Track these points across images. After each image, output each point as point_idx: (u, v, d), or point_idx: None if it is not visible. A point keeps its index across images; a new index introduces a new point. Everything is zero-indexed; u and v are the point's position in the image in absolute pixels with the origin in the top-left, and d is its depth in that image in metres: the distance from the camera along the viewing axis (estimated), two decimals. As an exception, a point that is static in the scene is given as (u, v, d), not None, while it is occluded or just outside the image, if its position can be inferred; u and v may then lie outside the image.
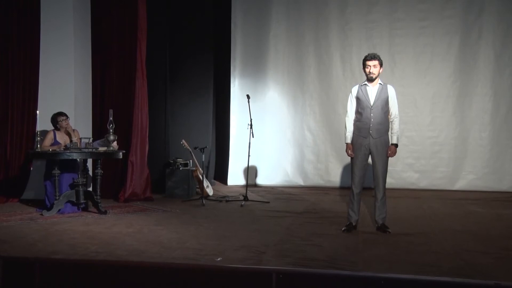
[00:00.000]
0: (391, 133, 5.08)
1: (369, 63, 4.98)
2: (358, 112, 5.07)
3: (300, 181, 9.29)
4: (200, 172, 7.55)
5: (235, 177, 9.47)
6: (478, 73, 8.60)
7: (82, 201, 6.14)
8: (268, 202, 7.18)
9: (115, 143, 6.28)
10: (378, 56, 5.03)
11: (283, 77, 9.47)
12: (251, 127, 7.33)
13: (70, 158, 6.07)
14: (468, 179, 8.62)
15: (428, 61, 8.82)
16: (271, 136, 9.42)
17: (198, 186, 7.79)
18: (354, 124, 5.11)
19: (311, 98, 9.33)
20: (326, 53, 9.23)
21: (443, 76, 8.76)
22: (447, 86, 8.74)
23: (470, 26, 8.60)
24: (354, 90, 5.14)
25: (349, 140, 5.12)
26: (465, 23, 8.63)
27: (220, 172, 9.83)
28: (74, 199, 6.14)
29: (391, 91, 5.05)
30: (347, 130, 5.14)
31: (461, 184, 8.64)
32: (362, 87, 5.07)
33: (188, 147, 7.55)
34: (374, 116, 4.97)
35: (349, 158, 5.18)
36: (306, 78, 9.34)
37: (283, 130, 9.44)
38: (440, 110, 8.78)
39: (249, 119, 7.39)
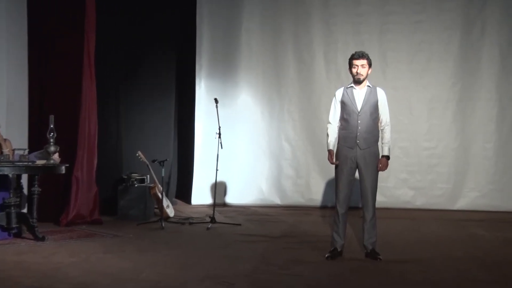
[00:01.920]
0: (382, 143, 5.15)
1: (357, 62, 5.05)
2: (344, 119, 5.13)
3: (277, 200, 9.30)
4: (159, 189, 7.49)
5: (201, 195, 9.43)
6: (482, 74, 8.76)
7: (14, 226, 6.02)
8: (240, 225, 7.19)
9: (56, 155, 6.20)
10: (367, 54, 5.11)
11: (257, 78, 9.50)
12: (219, 137, 7.34)
13: (0, 173, 5.95)
14: (471, 197, 8.74)
15: (425, 61, 8.97)
16: (243, 147, 9.42)
17: (156, 206, 7.74)
18: (339, 133, 5.16)
19: (289, 102, 9.37)
20: (307, 51, 9.31)
21: (441, 78, 8.90)
22: (446, 89, 8.89)
23: (472, 21, 8.78)
24: (339, 93, 5.21)
25: (331, 147, 5.17)
26: (466, 17, 8.80)
27: (183, 190, 9.78)
28: (4, 223, 6.00)
29: (381, 94, 5.13)
30: (329, 137, 5.19)
31: (462, 203, 8.75)
32: (348, 90, 5.14)
33: (145, 160, 7.51)
34: (361, 124, 5.03)
35: (334, 173, 5.22)
36: (284, 79, 9.39)
37: (257, 140, 9.46)
38: (438, 117, 8.92)
39: (217, 127, 7.39)
